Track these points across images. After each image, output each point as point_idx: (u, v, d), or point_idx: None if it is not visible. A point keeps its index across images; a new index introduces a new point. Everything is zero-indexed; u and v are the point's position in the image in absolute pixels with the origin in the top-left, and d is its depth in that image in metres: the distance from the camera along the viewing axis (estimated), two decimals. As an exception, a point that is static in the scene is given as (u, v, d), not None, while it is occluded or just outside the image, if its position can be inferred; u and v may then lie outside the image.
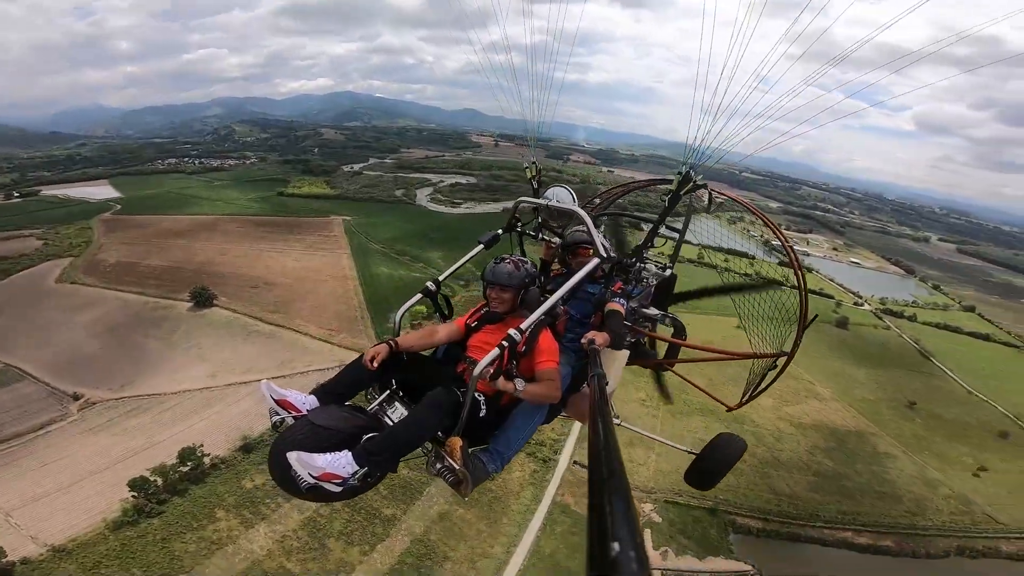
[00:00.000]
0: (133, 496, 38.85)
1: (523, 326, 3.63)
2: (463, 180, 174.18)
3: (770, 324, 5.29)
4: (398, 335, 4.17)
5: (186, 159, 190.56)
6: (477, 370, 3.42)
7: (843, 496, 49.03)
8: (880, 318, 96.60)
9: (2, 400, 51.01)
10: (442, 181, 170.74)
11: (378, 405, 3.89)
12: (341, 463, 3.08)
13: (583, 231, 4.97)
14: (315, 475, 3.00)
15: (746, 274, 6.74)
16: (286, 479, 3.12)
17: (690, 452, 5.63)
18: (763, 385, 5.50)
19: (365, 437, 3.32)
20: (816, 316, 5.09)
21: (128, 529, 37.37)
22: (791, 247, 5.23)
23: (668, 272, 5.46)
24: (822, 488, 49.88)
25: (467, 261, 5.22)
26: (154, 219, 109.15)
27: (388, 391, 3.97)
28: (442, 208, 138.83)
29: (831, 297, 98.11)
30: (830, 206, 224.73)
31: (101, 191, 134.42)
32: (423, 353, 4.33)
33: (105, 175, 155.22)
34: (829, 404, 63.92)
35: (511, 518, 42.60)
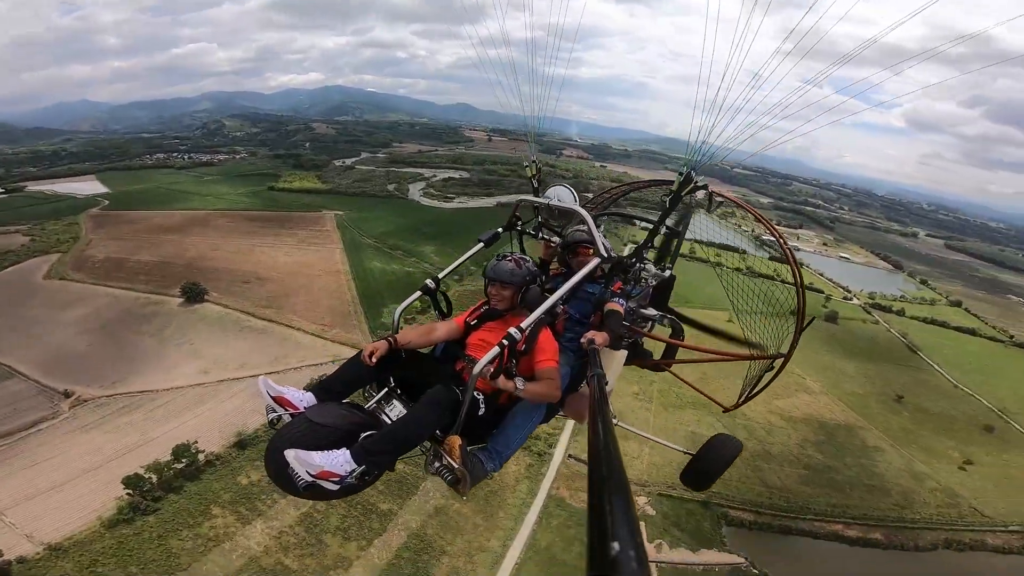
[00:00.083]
0: (128, 493, 38.51)
1: (523, 325, 3.60)
2: (456, 175, 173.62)
3: (766, 321, 5.29)
4: (396, 332, 4.15)
5: (175, 154, 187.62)
6: (477, 368, 3.41)
7: (833, 489, 49.57)
8: (869, 312, 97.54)
9: (-9, 398, 50.17)
10: (435, 175, 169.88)
11: (376, 403, 3.89)
12: (339, 461, 3.06)
13: (583, 231, 4.97)
14: (313, 473, 2.98)
15: (737, 269, 6.78)
16: (283, 477, 3.09)
17: (686, 453, 5.63)
18: (759, 387, 5.53)
19: (363, 435, 3.31)
20: (813, 319, 5.11)
21: (124, 527, 37.05)
22: (791, 253, 5.21)
23: (668, 273, 5.47)
24: (812, 481, 50.43)
25: (467, 259, 5.23)
26: (143, 214, 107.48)
27: (386, 389, 3.98)
28: (435, 203, 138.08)
29: (821, 291, 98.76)
30: (820, 202, 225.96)
31: (88, 186, 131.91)
32: (422, 351, 4.31)
33: (92, 170, 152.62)
34: (819, 398, 64.56)
35: (507, 512, 42.81)
